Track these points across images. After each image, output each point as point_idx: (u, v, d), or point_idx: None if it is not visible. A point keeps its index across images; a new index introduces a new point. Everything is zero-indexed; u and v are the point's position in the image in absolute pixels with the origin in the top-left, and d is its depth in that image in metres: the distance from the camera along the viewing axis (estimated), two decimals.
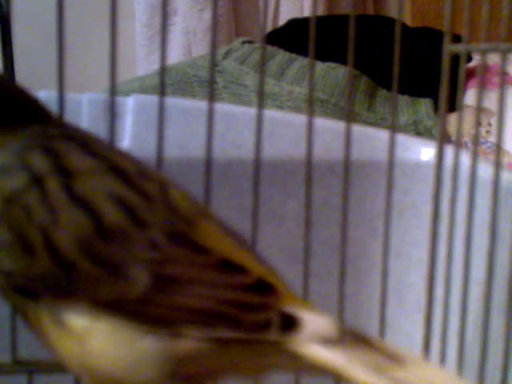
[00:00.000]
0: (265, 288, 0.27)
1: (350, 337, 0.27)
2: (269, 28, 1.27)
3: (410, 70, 1.01)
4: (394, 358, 0.27)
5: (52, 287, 0.27)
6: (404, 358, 0.27)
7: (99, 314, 0.27)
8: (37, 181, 0.27)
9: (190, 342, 0.27)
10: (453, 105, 0.39)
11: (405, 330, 0.50)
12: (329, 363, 0.27)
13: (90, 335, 0.27)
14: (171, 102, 0.48)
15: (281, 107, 0.93)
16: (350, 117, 0.37)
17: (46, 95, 0.50)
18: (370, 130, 0.53)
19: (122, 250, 0.27)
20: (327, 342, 0.27)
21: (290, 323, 0.27)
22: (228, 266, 0.27)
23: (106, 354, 0.27)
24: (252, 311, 0.27)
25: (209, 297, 0.27)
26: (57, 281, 0.27)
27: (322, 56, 0.96)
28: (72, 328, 0.27)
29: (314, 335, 0.27)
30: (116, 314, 0.27)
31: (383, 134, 0.50)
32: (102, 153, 0.29)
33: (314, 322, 0.27)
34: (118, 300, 0.27)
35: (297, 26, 1.10)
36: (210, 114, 0.36)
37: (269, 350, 0.27)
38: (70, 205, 0.27)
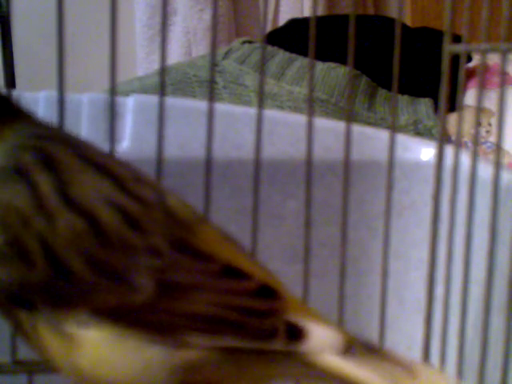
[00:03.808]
0: (269, 294, 0.27)
1: (359, 346, 0.27)
2: (269, 28, 1.27)
3: (410, 70, 1.01)
4: (405, 368, 0.26)
5: (51, 296, 0.26)
6: (414, 368, 0.27)
7: (102, 323, 0.26)
8: (31, 185, 0.27)
9: (197, 350, 0.26)
10: (453, 105, 0.39)
11: (405, 330, 0.50)
12: (344, 373, 0.26)
13: (94, 345, 0.26)
14: (171, 102, 0.48)
15: (281, 107, 0.93)
16: (350, 117, 0.37)
17: (45, 95, 0.50)
18: (370, 130, 0.53)
19: (122, 257, 0.26)
20: (337, 352, 0.26)
21: (295, 333, 0.26)
22: (231, 272, 0.27)
23: (111, 364, 0.26)
24: (258, 317, 0.26)
25: (214, 303, 0.26)
26: (56, 289, 0.26)
27: (322, 56, 0.96)
28: (74, 338, 0.26)
29: (322, 345, 0.26)
30: (119, 323, 0.26)
31: (383, 134, 0.50)
32: (95, 157, 0.28)
33: (321, 332, 0.26)
34: (121, 308, 0.26)
35: (297, 25, 1.10)
36: (210, 114, 0.36)
37: (276, 360, 0.27)
38: (66, 210, 0.26)
